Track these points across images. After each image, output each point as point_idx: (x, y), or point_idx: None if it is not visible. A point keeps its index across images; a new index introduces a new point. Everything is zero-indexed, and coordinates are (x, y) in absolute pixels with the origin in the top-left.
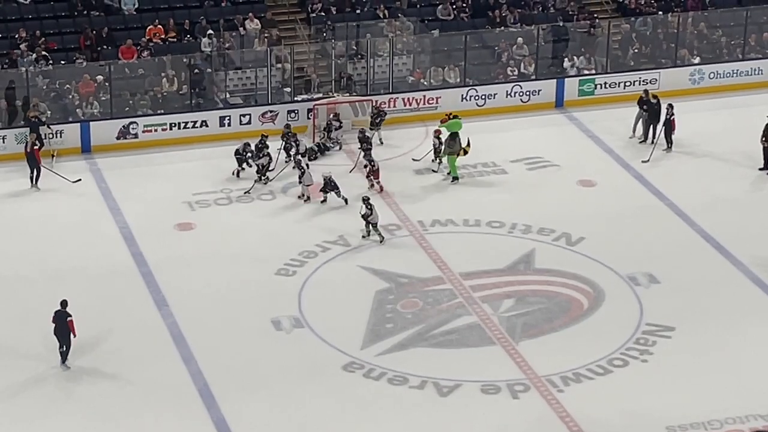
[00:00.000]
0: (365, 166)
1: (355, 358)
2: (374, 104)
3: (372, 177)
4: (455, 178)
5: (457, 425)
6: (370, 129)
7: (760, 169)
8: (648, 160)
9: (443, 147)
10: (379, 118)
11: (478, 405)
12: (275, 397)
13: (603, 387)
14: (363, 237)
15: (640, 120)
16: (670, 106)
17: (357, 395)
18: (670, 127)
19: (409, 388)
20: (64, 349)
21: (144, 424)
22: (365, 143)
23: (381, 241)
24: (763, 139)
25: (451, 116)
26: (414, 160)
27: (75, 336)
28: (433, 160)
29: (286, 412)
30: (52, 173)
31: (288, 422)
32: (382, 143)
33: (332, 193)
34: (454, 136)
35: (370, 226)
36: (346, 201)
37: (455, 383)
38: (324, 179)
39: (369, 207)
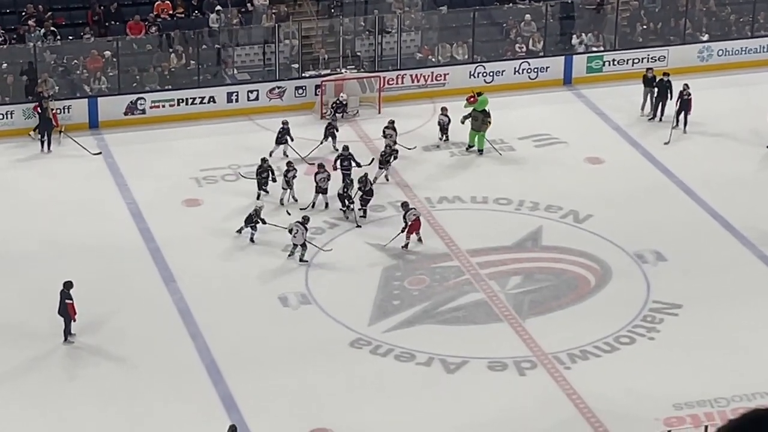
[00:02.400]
0: (404, 217)
1: (362, 335)
2: (389, 144)
3: (413, 232)
4: (480, 151)
5: (463, 402)
6: (380, 168)
7: None
8: (669, 142)
9: (477, 123)
10: (391, 157)
11: (484, 382)
12: (282, 373)
13: (610, 364)
14: (293, 256)
15: (648, 97)
16: (686, 85)
17: (364, 372)
18: (686, 106)
19: (415, 364)
20: (64, 328)
21: (151, 400)
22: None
23: (301, 260)
24: None
25: (476, 94)
26: (437, 146)
27: (74, 320)
28: (440, 138)
29: (292, 388)
30: (74, 142)
31: (295, 398)
32: (388, 180)
33: (249, 228)
34: (486, 112)
35: (298, 247)
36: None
37: (462, 360)
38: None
39: (299, 227)
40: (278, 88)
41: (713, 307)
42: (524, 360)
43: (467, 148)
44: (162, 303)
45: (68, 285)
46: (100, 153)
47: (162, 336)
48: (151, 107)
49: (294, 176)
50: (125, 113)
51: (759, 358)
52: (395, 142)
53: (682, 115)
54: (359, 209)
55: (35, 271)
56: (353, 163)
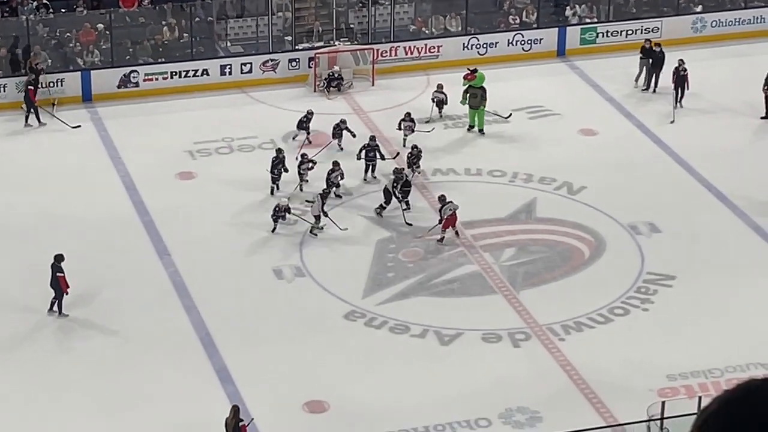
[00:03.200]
0: (440, 209)
1: (357, 307)
2: (415, 146)
3: (449, 227)
4: (481, 131)
5: (458, 374)
6: (408, 169)
7: (762, 118)
8: (674, 121)
9: (476, 101)
10: (418, 159)
11: (479, 353)
12: (277, 346)
13: (604, 336)
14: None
15: (644, 68)
16: (681, 61)
17: (358, 344)
18: (682, 83)
19: (410, 336)
20: (56, 300)
21: (145, 373)
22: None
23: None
24: (765, 87)
25: (472, 71)
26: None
27: (67, 293)
28: (439, 114)
29: (287, 360)
30: (53, 117)
31: (289, 371)
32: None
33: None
34: (483, 89)
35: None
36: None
37: (456, 332)
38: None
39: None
40: (271, 60)
41: (707, 278)
42: (518, 331)
43: (469, 129)
44: (156, 276)
45: (59, 258)
46: (80, 126)
47: (156, 309)
48: (144, 80)
49: (308, 168)
50: (118, 86)
51: (752, 329)
52: (412, 131)
53: (678, 91)
54: (404, 204)
55: (28, 244)
56: (378, 155)
